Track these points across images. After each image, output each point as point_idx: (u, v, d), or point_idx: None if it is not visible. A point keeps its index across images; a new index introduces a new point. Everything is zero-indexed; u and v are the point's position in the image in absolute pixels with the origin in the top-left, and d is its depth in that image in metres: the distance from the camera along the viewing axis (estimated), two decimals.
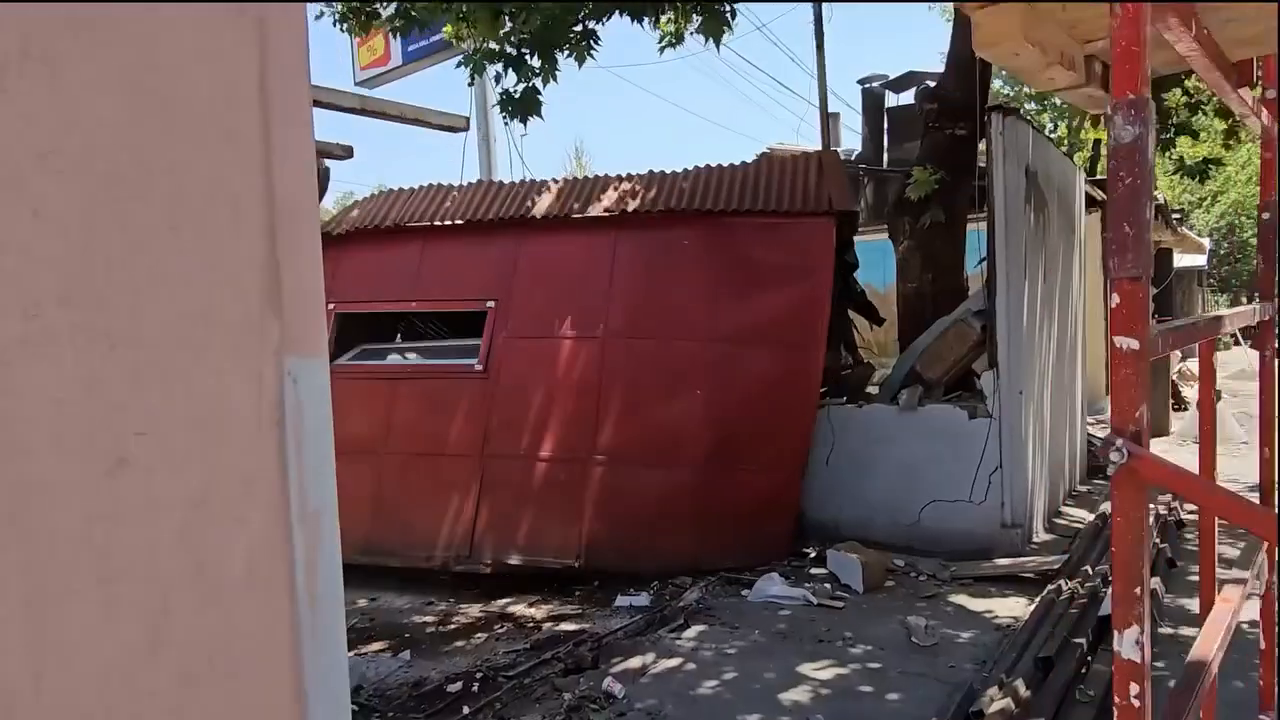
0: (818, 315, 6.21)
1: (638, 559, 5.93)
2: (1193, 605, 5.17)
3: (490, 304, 6.63)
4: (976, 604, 5.28)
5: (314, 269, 0.68)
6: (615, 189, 7.01)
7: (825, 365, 8.00)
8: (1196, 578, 5.62)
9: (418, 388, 6.69)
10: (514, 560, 5.97)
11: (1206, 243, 23.34)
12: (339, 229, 7.30)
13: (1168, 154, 6.70)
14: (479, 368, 6.48)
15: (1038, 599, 5.08)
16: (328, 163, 7.11)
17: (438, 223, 7.03)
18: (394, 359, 7.00)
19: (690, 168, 7.11)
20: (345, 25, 6.27)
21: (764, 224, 6.44)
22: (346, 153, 4.20)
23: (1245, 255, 30.92)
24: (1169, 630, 4.69)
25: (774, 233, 6.42)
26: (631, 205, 6.65)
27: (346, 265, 7.15)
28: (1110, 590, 4.19)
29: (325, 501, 0.71)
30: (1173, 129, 6.35)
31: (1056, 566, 5.50)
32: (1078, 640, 4.27)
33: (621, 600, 5.47)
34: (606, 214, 6.65)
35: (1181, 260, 21.30)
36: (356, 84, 14.49)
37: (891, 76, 13.86)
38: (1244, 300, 32.57)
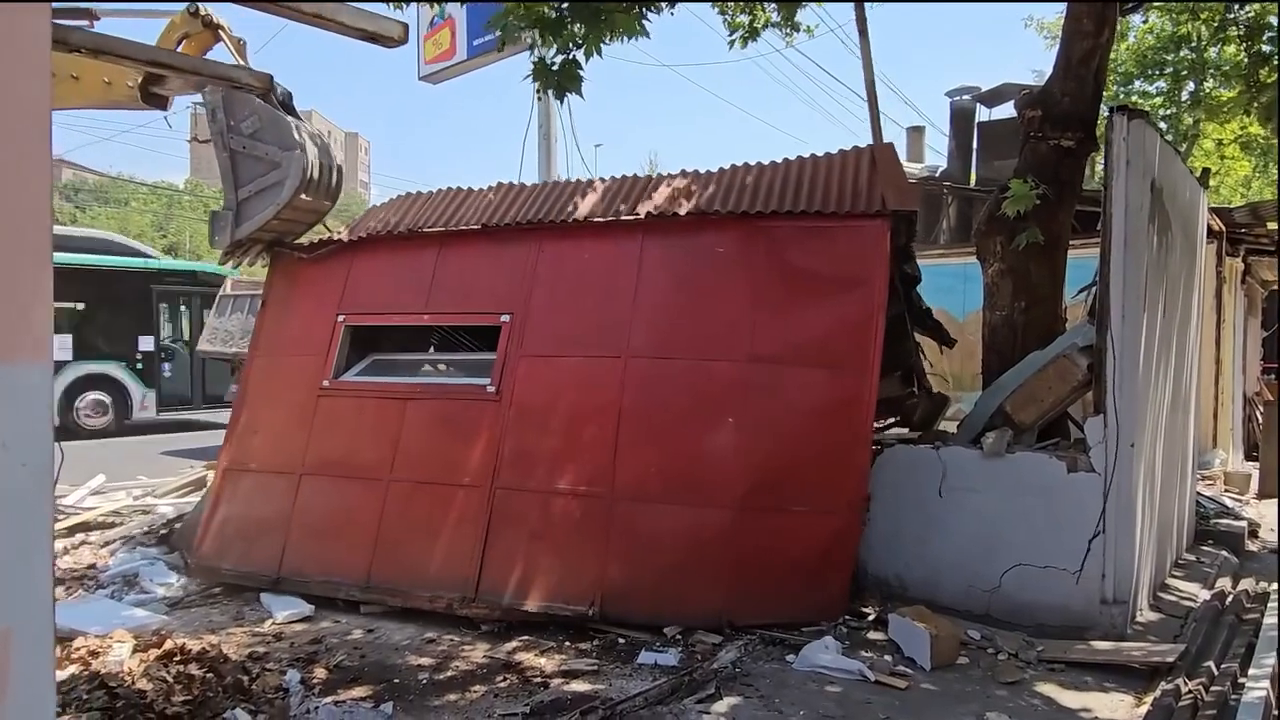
0: (870, 333, 5.36)
1: (662, 610, 5.17)
2: None
3: (505, 317, 5.98)
4: (1070, 698, 4.38)
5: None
6: (644, 190, 6.31)
7: (886, 394, 7.16)
8: None
9: (427, 409, 6.05)
10: (522, 606, 5.26)
11: None
12: (352, 235, 6.80)
13: None
14: (491, 389, 5.82)
15: (1149, 702, 4.16)
16: (339, 159, 6.59)
17: (454, 228, 6.44)
18: (404, 374, 6.42)
19: (727, 166, 6.37)
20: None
21: (807, 227, 5.63)
22: (260, 81, 3.60)
23: None
24: None
25: (819, 237, 5.61)
26: (660, 207, 5.92)
27: (359, 273, 6.66)
28: (1245, 701, 3.27)
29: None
30: None
31: (1172, 660, 4.55)
32: None
33: (645, 657, 4.73)
34: (632, 218, 5.93)
35: None
36: (421, 78, 14.18)
37: (984, 89, 12.91)
38: None
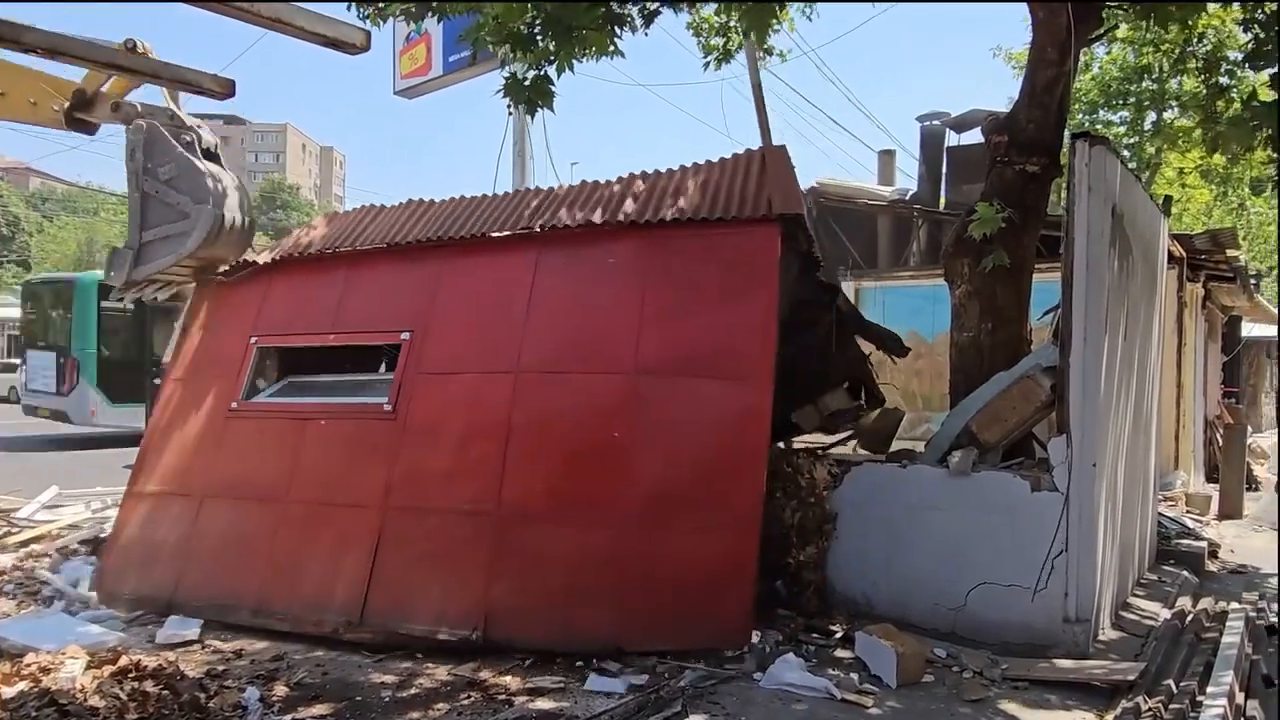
0: (763, 341, 5.21)
1: (550, 634, 4.95)
2: None
3: (405, 335, 5.92)
4: (1033, 716, 4.41)
5: None
6: (541, 201, 6.32)
7: (835, 407, 7.13)
8: None
9: (327, 429, 5.97)
10: (405, 630, 5.07)
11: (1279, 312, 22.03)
12: (268, 257, 6.79)
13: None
14: (388, 408, 5.74)
15: (1111, 719, 4.20)
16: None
17: (362, 248, 6.45)
18: (315, 395, 6.35)
19: (625, 175, 6.40)
20: (361, 11, 5.74)
21: (697, 234, 5.55)
22: (221, 87, 3.59)
23: None
24: None
25: (709, 244, 5.52)
26: (553, 219, 5.91)
27: (274, 295, 6.64)
28: (1203, 718, 3.31)
29: None
30: None
31: (1132, 678, 4.60)
32: None
33: (595, 683, 4.57)
34: (526, 231, 5.91)
35: (1252, 330, 20.11)
36: (396, 92, 14.18)
37: (953, 115, 13.14)
38: None
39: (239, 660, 4.95)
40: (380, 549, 5.36)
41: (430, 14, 5.50)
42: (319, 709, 4.29)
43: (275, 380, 6.57)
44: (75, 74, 6.40)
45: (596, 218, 5.87)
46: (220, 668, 4.76)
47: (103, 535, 7.27)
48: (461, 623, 5.02)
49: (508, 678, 4.69)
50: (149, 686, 3.85)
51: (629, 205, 5.92)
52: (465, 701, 4.39)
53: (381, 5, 6.02)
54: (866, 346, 7.55)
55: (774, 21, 5.16)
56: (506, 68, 5.43)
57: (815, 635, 5.33)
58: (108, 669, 3.98)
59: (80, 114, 6.47)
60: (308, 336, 6.42)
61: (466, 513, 5.32)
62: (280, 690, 4.50)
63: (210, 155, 6.55)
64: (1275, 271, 27.55)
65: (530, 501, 5.26)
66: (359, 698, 4.44)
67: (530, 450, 5.34)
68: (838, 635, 5.30)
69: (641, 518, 5.06)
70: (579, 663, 4.84)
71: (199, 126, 6.56)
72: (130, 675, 3.92)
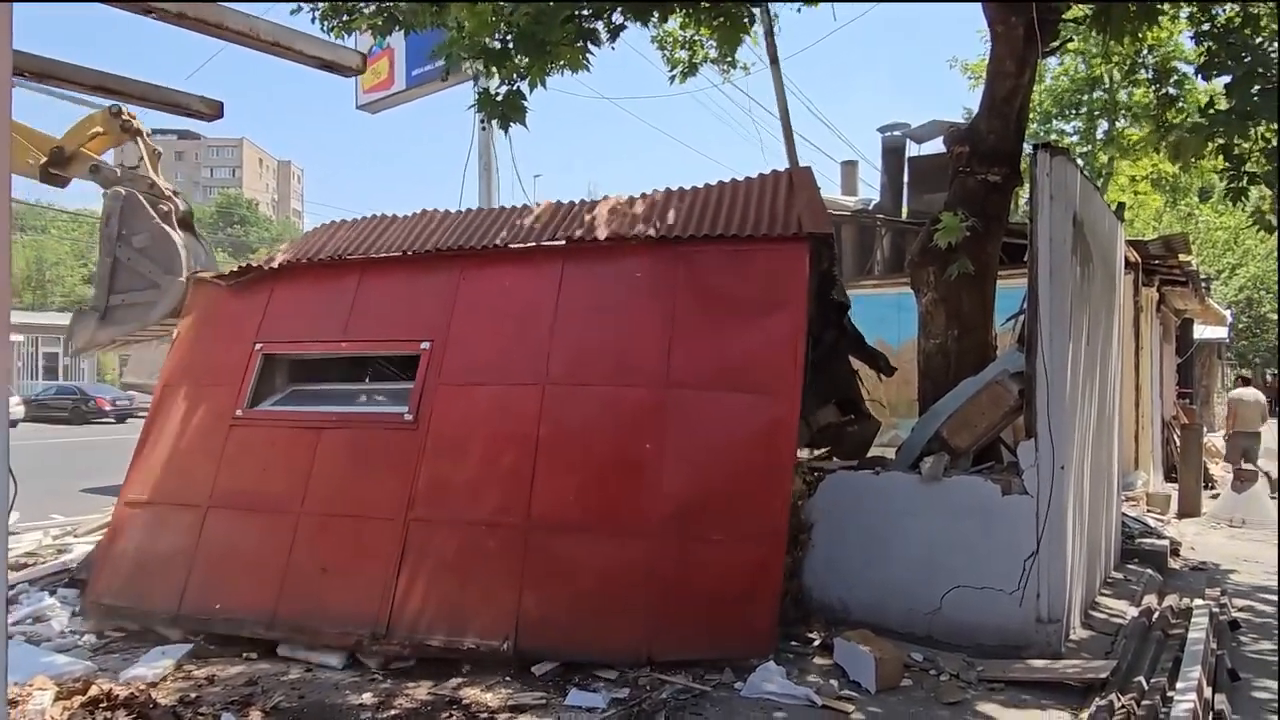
0: (791, 356, 5.31)
1: (581, 645, 4.98)
2: None
3: (425, 345, 5.88)
4: (1010, 716, 4.47)
5: None
6: (567, 217, 6.33)
7: (824, 422, 7.25)
8: (1266, 694, 4.85)
9: (342, 438, 5.88)
10: (434, 642, 5.06)
11: (1228, 315, 22.69)
12: (272, 263, 6.68)
13: (1239, 204, 6.04)
14: (409, 417, 5.70)
15: (1085, 717, 4.28)
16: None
17: (375, 255, 6.38)
18: (325, 403, 6.23)
19: (648, 191, 6.46)
20: (325, 25, 5.71)
21: (727, 251, 5.65)
22: (210, 109, 3.57)
23: (1265, 330, 30.30)
24: None
25: (738, 261, 5.62)
26: (581, 233, 5.93)
27: (279, 302, 6.51)
28: (1174, 714, 3.39)
29: None
30: (1245, 177, 5.69)
31: (1105, 676, 4.69)
32: None
33: (576, 698, 4.55)
34: (552, 244, 5.93)
35: (1203, 332, 20.66)
36: (359, 107, 14.08)
37: (914, 126, 13.36)
38: (1265, 376, 31.86)
39: (212, 686, 4.85)
40: (405, 561, 5.31)
41: (397, 28, 5.48)
42: None
43: (280, 389, 6.42)
44: (53, 125, 6.39)
45: (624, 231, 5.90)
46: (193, 694, 4.65)
47: (70, 565, 7.09)
48: (492, 634, 5.02)
49: (488, 695, 4.65)
50: (121, 717, 3.77)
51: (655, 220, 5.96)
52: None
53: (346, 19, 6.00)
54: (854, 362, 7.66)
55: (742, 35, 5.21)
56: (478, 83, 5.43)
57: (794, 643, 5.35)
58: (78, 699, 3.89)
59: (56, 170, 6.42)
60: (317, 345, 6.29)
61: (495, 524, 5.30)
62: (256, 716, 4.41)
63: (185, 224, 6.55)
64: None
65: (561, 512, 5.27)
66: None
67: (560, 461, 5.35)
68: (816, 643, 5.33)
69: (672, 528, 5.12)
70: (563, 676, 4.82)
71: (175, 195, 6.56)
72: (101, 705, 3.83)
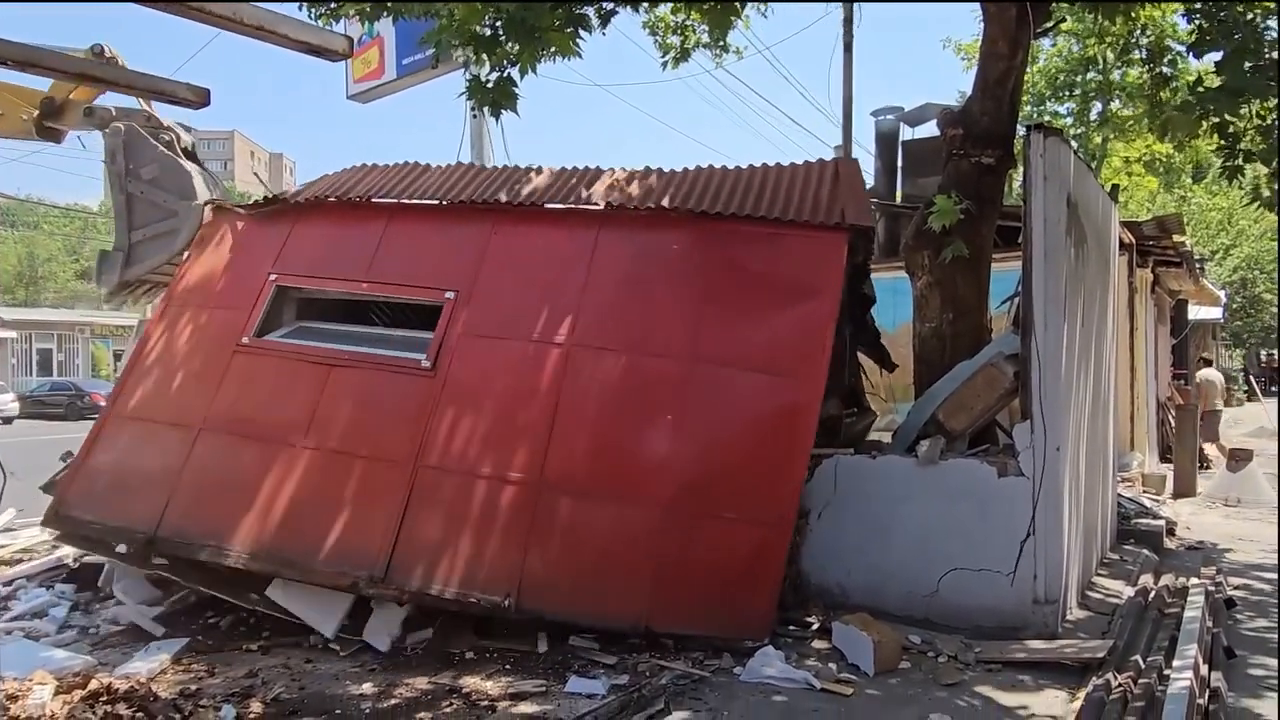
0: (819, 343, 5.34)
1: (580, 608, 5.01)
2: (1264, 709, 4.42)
3: (450, 295, 5.83)
4: (1008, 697, 4.50)
5: None
6: (604, 182, 6.29)
7: (825, 414, 7.25)
8: (1262, 671, 4.88)
9: (354, 377, 5.77)
10: (434, 591, 5.03)
11: (1222, 295, 22.72)
12: (297, 198, 6.57)
13: (1235, 182, 6.03)
14: (426, 364, 5.63)
15: (1082, 696, 4.30)
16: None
17: (406, 200, 6.27)
18: (337, 343, 6.09)
19: (690, 167, 6.44)
20: (312, 11, 5.66)
21: (765, 233, 5.66)
22: (197, 96, 3.55)
23: (1259, 310, 30.37)
24: None
25: (775, 244, 5.64)
26: (618, 200, 5.91)
27: (300, 237, 6.38)
28: (1170, 692, 3.40)
29: None
30: (1241, 155, 5.68)
31: (1102, 655, 4.72)
32: None
33: (576, 684, 4.56)
34: (589, 207, 5.91)
35: (1198, 312, 20.71)
36: (349, 97, 14.00)
37: (907, 109, 13.31)
38: (1258, 356, 32.00)
39: (211, 678, 4.85)
40: (410, 507, 5.27)
41: (385, 15, 5.44)
42: None
43: (289, 324, 6.32)
44: (39, 83, 6.23)
45: (665, 203, 5.85)
46: (193, 687, 4.65)
47: (65, 560, 7.07)
48: (493, 589, 5.01)
49: (488, 684, 4.66)
50: (122, 710, 3.77)
51: (695, 195, 5.93)
52: (447, 709, 4.35)
53: (335, 5, 5.95)
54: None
55: (733, 19, 5.18)
56: (468, 70, 5.39)
57: (792, 628, 5.37)
58: (78, 694, 3.88)
59: (50, 122, 6.30)
60: (336, 283, 6.20)
61: (507, 480, 5.28)
62: (257, 707, 4.42)
63: (189, 154, 6.45)
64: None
65: (574, 474, 5.26)
66: (338, 710, 4.38)
67: (578, 423, 5.34)
68: (815, 627, 5.35)
69: (684, 502, 5.13)
70: (561, 660, 4.84)
71: (175, 126, 6.44)
72: (102, 699, 3.83)
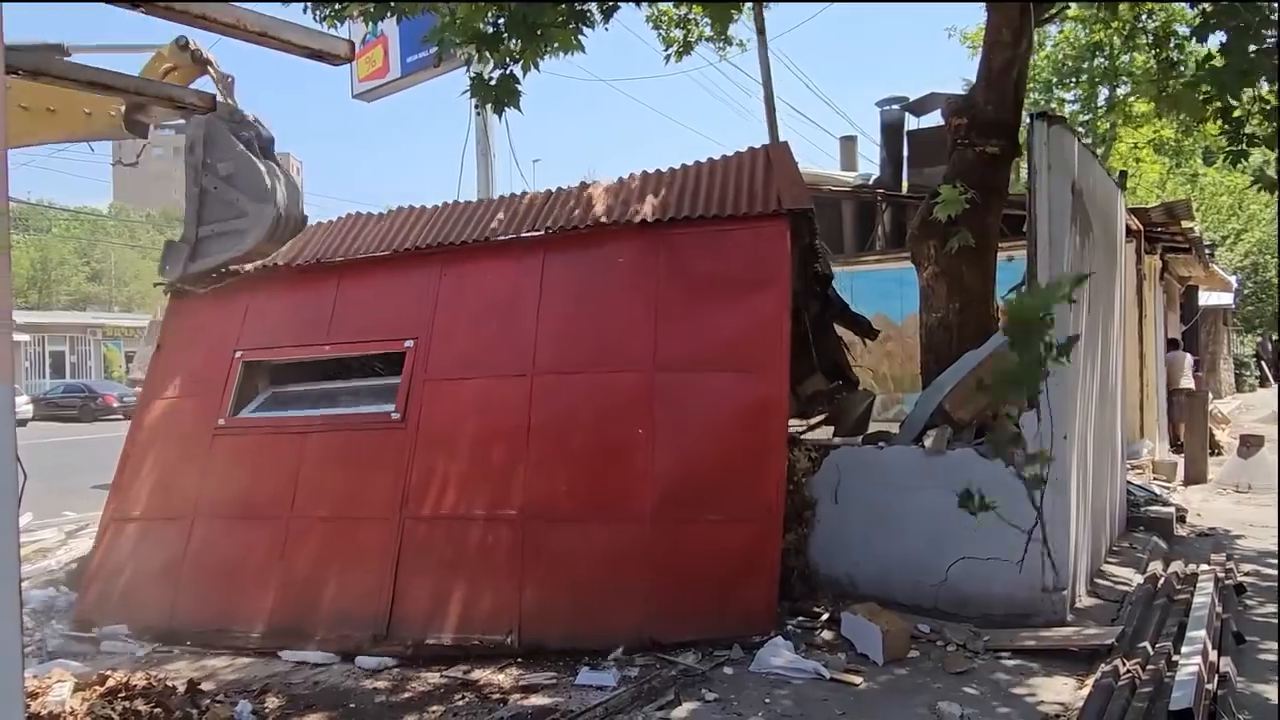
0: (777, 334, 5.33)
1: (582, 631, 5.01)
2: (1274, 694, 4.42)
3: (409, 343, 5.89)
4: (1017, 685, 4.51)
5: None
6: (543, 205, 6.30)
7: (813, 389, 7.24)
8: (1271, 656, 4.88)
9: (329, 441, 5.89)
10: (436, 639, 5.09)
11: (1233, 280, 22.56)
12: (250, 270, 6.64)
13: (1239, 166, 6.00)
14: (396, 415, 5.71)
15: (1091, 683, 4.32)
16: (298, 168, 6.56)
17: (353, 257, 6.36)
18: (309, 406, 6.21)
19: (626, 176, 6.42)
20: (318, 13, 5.69)
21: (707, 232, 5.64)
22: (204, 102, 3.58)
23: (1270, 295, 30.14)
24: None
25: (718, 241, 5.62)
26: (560, 222, 5.92)
27: (258, 309, 6.51)
28: (1179, 678, 3.42)
29: None
30: (1244, 140, 5.65)
31: (1110, 642, 4.73)
32: None
33: (586, 677, 4.60)
34: (532, 234, 5.92)
35: (1208, 298, 20.58)
36: (355, 96, 14.04)
37: (912, 99, 13.26)
38: (1269, 341, 31.75)
39: (227, 674, 4.92)
40: (402, 560, 5.33)
41: (389, 14, 5.46)
42: (313, 718, 4.29)
43: (262, 394, 6.44)
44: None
45: (604, 218, 5.88)
46: (209, 685, 4.73)
47: (74, 565, 7.14)
48: (495, 628, 5.04)
49: (500, 676, 4.71)
50: (140, 705, 3.83)
51: (634, 205, 5.94)
52: (460, 702, 4.41)
53: (339, 6, 5.97)
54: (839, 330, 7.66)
55: (735, 11, 5.18)
56: (470, 67, 5.41)
57: (801, 618, 5.40)
58: (96, 690, 3.95)
59: (138, 116, 6.28)
60: (299, 349, 6.31)
61: (491, 518, 5.32)
62: (272, 702, 4.49)
63: (267, 151, 6.44)
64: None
65: (555, 501, 5.29)
66: (353, 704, 4.45)
67: (551, 451, 5.37)
68: (824, 617, 5.38)
69: (667, 511, 5.13)
70: (572, 656, 4.88)
71: (257, 121, 6.43)
72: (120, 695, 3.89)
